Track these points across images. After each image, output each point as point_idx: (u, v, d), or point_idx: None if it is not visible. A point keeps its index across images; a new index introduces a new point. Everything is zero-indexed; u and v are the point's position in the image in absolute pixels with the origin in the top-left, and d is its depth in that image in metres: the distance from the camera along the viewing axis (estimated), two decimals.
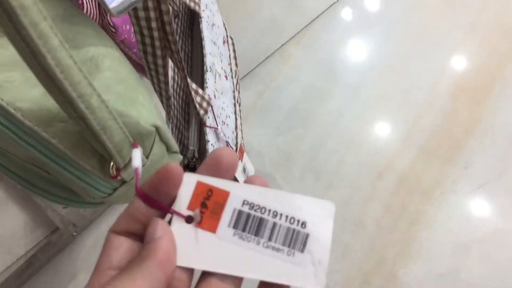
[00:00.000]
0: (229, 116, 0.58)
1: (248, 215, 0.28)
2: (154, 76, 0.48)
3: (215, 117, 0.52)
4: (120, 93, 0.37)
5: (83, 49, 0.39)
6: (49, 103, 0.32)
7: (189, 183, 0.27)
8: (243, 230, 0.27)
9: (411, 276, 0.83)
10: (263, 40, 1.12)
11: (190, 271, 0.27)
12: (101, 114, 0.30)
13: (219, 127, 0.53)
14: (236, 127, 0.60)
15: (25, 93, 0.33)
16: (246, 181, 0.28)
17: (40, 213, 0.93)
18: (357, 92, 1.03)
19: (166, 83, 0.48)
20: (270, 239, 0.27)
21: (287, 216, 0.28)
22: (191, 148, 0.53)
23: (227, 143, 0.55)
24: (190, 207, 0.27)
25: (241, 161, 0.59)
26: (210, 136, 0.51)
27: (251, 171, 0.63)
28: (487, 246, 0.84)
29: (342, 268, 0.85)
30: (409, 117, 0.99)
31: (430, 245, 0.86)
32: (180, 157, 0.45)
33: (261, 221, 0.28)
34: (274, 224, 0.27)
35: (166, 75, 0.47)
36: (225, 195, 0.28)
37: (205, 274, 0.27)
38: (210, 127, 0.51)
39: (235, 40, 0.71)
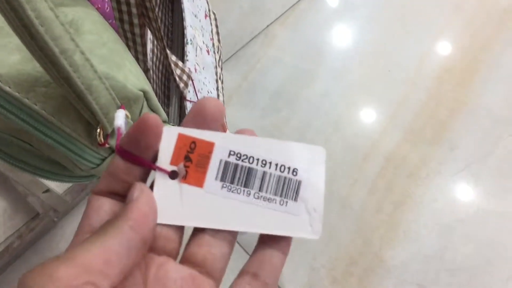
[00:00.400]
0: (211, 92, 0.56)
1: (236, 165, 0.26)
2: (132, 47, 0.46)
3: (196, 92, 0.51)
4: (104, 57, 0.35)
5: (61, 11, 0.37)
6: (29, 67, 0.31)
7: (170, 136, 0.26)
8: (232, 182, 0.26)
9: (397, 257, 0.83)
10: (247, 21, 1.10)
11: (180, 229, 0.26)
12: (85, 72, 0.28)
13: None
14: None
15: (2, 59, 0.31)
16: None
17: (19, 199, 0.91)
18: (342, 74, 1.02)
19: (144, 53, 0.46)
20: (260, 189, 0.26)
21: (277, 164, 0.26)
22: (172, 124, 0.52)
23: None
24: (173, 162, 0.26)
25: None
26: None
27: None
28: (471, 226, 0.84)
29: (328, 249, 0.84)
30: (394, 99, 0.98)
31: (415, 226, 0.85)
32: (170, 126, 0.43)
33: (250, 171, 0.26)
34: (264, 173, 0.26)
35: (144, 45, 0.46)
36: (209, 146, 0.26)
37: (196, 231, 0.26)
38: (190, 102, 0.50)
39: (219, 21, 0.70)
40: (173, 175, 0.26)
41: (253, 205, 0.26)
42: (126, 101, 0.34)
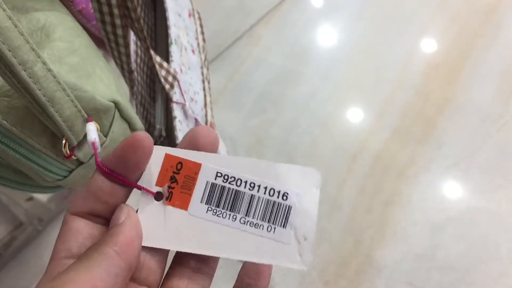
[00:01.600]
0: (198, 93, 0.55)
1: (223, 188, 0.25)
2: (115, 49, 0.45)
3: (182, 93, 0.49)
4: (73, 65, 0.34)
5: (34, 17, 0.36)
6: None
7: (156, 156, 0.25)
8: (217, 205, 0.25)
9: (388, 257, 0.82)
10: (231, 22, 1.09)
11: (162, 261, 0.25)
12: (47, 84, 0.27)
13: (186, 103, 0.50)
14: (205, 105, 0.57)
15: None
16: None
17: (2, 208, 0.89)
18: (328, 73, 1.02)
19: (128, 55, 0.45)
20: (247, 214, 0.25)
21: (266, 187, 0.25)
22: (158, 126, 0.50)
23: (196, 120, 0.52)
24: (159, 183, 0.25)
25: None
26: (177, 112, 0.48)
27: (223, 150, 0.60)
28: (462, 224, 0.84)
29: (319, 252, 0.83)
30: (381, 97, 0.98)
31: (406, 225, 0.85)
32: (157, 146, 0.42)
33: (237, 195, 0.25)
34: (252, 197, 0.25)
35: (127, 46, 0.44)
36: (196, 167, 0.25)
37: (177, 264, 0.25)
38: (177, 103, 0.48)
39: (202, 22, 0.69)
40: (158, 196, 0.25)
41: (239, 230, 0.25)
42: (95, 112, 0.33)
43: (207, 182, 0.25)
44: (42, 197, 0.85)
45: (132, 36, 0.53)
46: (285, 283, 0.81)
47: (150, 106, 0.53)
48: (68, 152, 0.32)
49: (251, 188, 0.25)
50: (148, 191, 0.25)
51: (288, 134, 0.95)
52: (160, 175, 0.25)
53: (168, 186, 0.25)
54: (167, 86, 0.47)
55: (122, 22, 0.43)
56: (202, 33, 0.62)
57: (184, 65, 0.52)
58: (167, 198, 0.25)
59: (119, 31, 0.44)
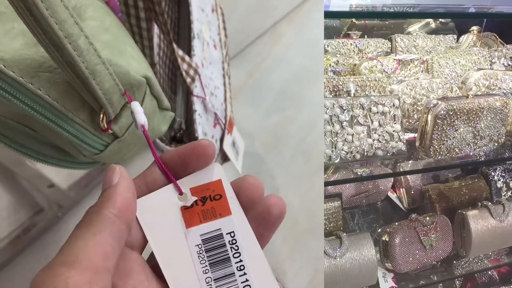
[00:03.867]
0: (218, 87, 0.56)
1: (223, 245, 0.25)
2: (138, 41, 0.46)
3: (202, 87, 0.50)
4: (107, 43, 0.35)
5: None
6: (32, 52, 0.31)
7: (212, 172, 0.25)
8: (207, 251, 0.25)
9: None
10: (253, 19, 1.09)
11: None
12: (89, 57, 0.28)
13: (207, 97, 0.51)
14: (225, 100, 0.58)
15: (6, 44, 0.31)
16: (239, 179, 0.26)
17: (24, 193, 0.90)
18: None
19: (151, 48, 0.46)
20: (216, 280, 0.25)
21: (247, 280, 0.25)
22: (178, 119, 0.51)
23: (216, 115, 0.53)
24: (194, 191, 0.25)
25: (231, 135, 0.57)
26: (197, 106, 0.49)
27: (241, 145, 0.61)
28: None
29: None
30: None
31: None
32: (172, 114, 0.43)
33: (225, 261, 0.25)
34: (231, 275, 0.25)
35: (150, 39, 0.45)
36: (225, 212, 0.25)
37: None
38: (197, 97, 0.49)
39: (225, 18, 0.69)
40: (182, 197, 0.25)
41: (197, 283, 0.24)
42: (129, 87, 0.34)
43: (219, 229, 0.25)
44: (63, 184, 0.86)
45: (155, 29, 0.54)
46: (297, 280, 0.81)
47: (171, 99, 0.54)
48: (105, 125, 0.33)
49: (239, 270, 0.25)
50: (178, 187, 0.25)
51: (306, 132, 0.95)
52: (199, 187, 0.25)
53: (195, 201, 0.25)
54: (188, 80, 0.47)
55: (147, 15, 0.44)
56: (225, 28, 0.62)
57: (205, 59, 0.52)
58: (185, 207, 0.25)
59: (144, 24, 0.45)
